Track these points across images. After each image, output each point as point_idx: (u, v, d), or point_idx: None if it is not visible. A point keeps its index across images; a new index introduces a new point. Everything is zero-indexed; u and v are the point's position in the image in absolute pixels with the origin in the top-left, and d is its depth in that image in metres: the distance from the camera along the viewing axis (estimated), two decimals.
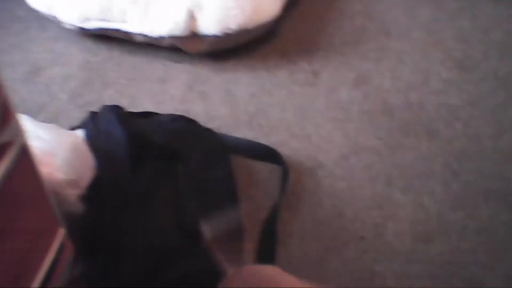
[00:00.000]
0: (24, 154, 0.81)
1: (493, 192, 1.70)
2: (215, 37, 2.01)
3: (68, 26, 2.14)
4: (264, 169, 1.76)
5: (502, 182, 1.73)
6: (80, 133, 1.51)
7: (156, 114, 1.77)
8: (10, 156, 0.77)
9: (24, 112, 1.02)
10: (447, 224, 1.62)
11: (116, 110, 1.61)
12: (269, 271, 1.27)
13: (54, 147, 1.34)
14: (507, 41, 2.18)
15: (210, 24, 2.00)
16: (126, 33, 2.08)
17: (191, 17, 2.01)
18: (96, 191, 1.35)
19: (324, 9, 2.32)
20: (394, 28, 2.23)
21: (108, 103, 1.91)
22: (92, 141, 1.47)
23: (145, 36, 2.05)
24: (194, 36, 2.03)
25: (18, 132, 0.79)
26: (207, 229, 1.49)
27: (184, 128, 1.70)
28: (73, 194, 1.31)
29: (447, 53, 2.12)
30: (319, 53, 2.13)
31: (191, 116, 1.88)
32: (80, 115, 1.88)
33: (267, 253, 1.54)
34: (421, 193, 1.70)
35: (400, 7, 2.32)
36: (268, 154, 1.78)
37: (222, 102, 1.95)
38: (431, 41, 2.18)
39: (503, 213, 1.65)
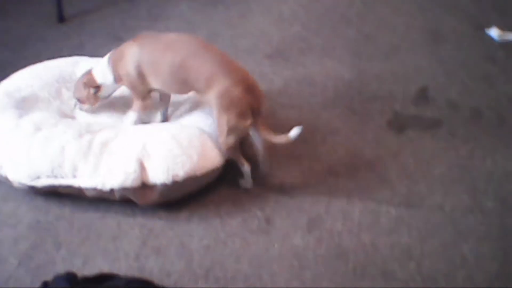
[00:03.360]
0: None
1: None
2: (165, 185, 2.04)
3: (17, 185, 2.13)
4: None
5: None
6: None
7: (111, 276, 1.73)
8: None
9: None
10: None
11: (68, 278, 1.58)
12: None
13: None
14: (449, 174, 2.28)
15: (159, 172, 2.04)
16: (77, 188, 2.09)
17: (141, 167, 2.04)
18: None
19: (270, 153, 2.38)
20: (341, 168, 2.31)
21: (60, 265, 1.89)
22: None
23: (97, 190, 2.06)
24: (144, 186, 2.05)
25: None
26: None
27: None
28: None
29: (393, 191, 2.19)
30: (270, 198, 2.16)
31: (146, 273, 1.87)
32: (32, 279, 1.85)
33: None
34: None
35: (343, 147, 2.41)
36: None
37: (177, 256, 1.94)
38: (376, 179, 2.26)
39: None
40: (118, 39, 3.09)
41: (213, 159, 2.13)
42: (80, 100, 2.31)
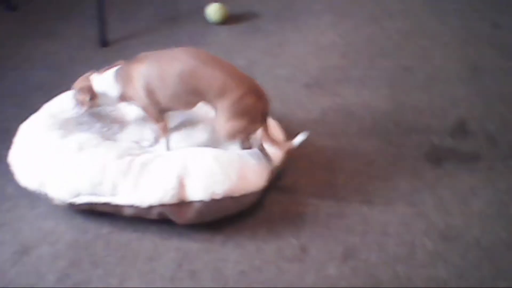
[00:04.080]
0: None
1: None
2: (203, 203, 2.07)
3: (57, 203, 2.18)
4: None
5: None
6: None
7: None
8: None
9: None
10: None
11: None
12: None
13: None
14: (487, 209, 2.25)
15: (198, 189, 2.07)
16: (115, 206, 2.12)
17: (180, 184, 2.08)
18: None
19: (307, 181, 2.40)
20: (376, 199, 2.30)
21: (97, 284, 1.92)
22: None
23: (135, 207, 2.10)
24: (182, 203, 2.08)
25: None
26: None
27: None
28: None
29: (430, 224, 2.18)
30: (306, 227, 2.17)
31: None
32: None
33: None
34: None
35: (380, 178, 2.41)
36: None
37: (211, 281, 1.95)
38: (412, 211, 2.24)
39: None
40: None
41: (253, 182, 2.16)
42: (77, 102, 2.34)
